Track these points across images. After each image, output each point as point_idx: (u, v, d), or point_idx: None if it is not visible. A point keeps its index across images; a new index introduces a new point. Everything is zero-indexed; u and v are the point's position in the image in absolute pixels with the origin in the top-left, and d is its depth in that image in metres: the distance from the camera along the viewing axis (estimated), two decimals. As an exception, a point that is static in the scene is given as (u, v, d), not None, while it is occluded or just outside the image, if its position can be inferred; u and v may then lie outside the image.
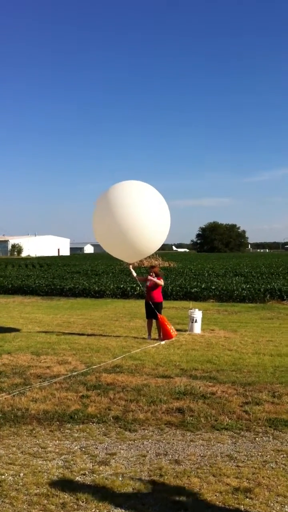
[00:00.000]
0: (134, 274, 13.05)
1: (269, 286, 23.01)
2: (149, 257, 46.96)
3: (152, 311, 12.54)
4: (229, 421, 6.57)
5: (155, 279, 12.78)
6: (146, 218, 12.05)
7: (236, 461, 5.41)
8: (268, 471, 5.14)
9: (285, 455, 5.54)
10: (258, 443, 5.90)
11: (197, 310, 13.80)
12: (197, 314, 13.58)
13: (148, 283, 12.88)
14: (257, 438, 6.03)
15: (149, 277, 12.84)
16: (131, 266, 13.06)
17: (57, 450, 5.72)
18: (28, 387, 8.09)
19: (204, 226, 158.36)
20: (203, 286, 23.18)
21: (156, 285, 12.79)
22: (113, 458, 5.49)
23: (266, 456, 5.52)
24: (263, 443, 5.88)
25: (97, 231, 12.70)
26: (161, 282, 12.91)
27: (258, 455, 5.56)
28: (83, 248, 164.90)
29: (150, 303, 12.61)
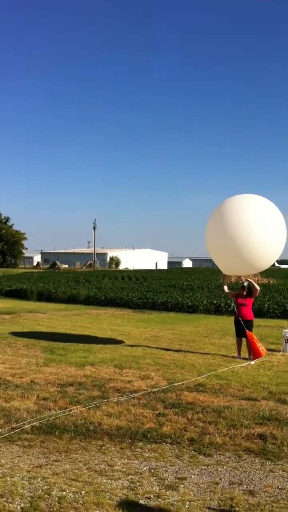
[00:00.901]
0: (226, 288, 12.66)
1: None
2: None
3: (242, 329, 12.00)
4: (315, 452, 5.97)
5: (253, 282, 12.36)
6: (269, 237, 11.87)
7: None
8: None
9: None
10: None
11: (291, 329, 13.06)
12: (291, 334, 12.84)
13: (238, 300, 12.36)
14: None
15: (248, 279, 12.43)
16: (226, 277, 12.71)
17: (124, 469, 5.42)
18: (105, 400, 7.88)
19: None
20: (301, 305, 22.11)
21: (248, 301, 12.27)
22: (183, 483, 5.10)
23: None
24: None
25: (211, 237, 12.66)
26: (258, 286, 12.47)
27: None
28: (181, 262, 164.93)
29: (240, 320, 12.09)
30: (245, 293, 12.37)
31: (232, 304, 17.78)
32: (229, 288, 13.11)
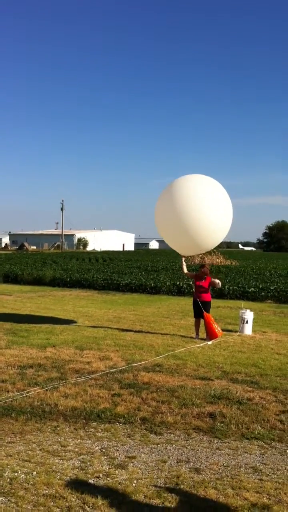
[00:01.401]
0: (185, 269, 12.85)
1: None
2: (210, 254, 46.50)
3: (201, 310, 12.25)
4: (261, 430, 6.24)
5: (215, 281, 12.56)
6: (211, 212, 11.89)
7: (260, 474, 5.10)
8: (292, 488, 4.80)
9: (314, 471, 5.17)
10: (288, 455, 5.55)
11: (248, 310, 13.38)
12: (248, 315, 13.16)
13: (196, 282, 12.58)
14: (287, 451, 5.68)
15: (213, 280, 12.56)
16: (183, 259, 12.83)
17: (76, 449, 5.59)
18: (63, 382, 8.02)
19: (271, 225, 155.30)
20: (261, 286, 22.56)
21: (206, 283, 12.49)
22: (132, 462, 5.30)
23: (294, 471, 5.17)
24: (293, 456, 5.53)
25: (158, 219, 12.68)
26: (219, 284, 12.69)
27: (285, 469, 5.22)
28: (148, 243, 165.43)
29: (198, 301, 12.32)
30: (204, 274, 12.58)
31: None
32: (188, 270, 13.29)
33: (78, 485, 4.73)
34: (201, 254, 33.95)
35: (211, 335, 11.90)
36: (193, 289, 12.89)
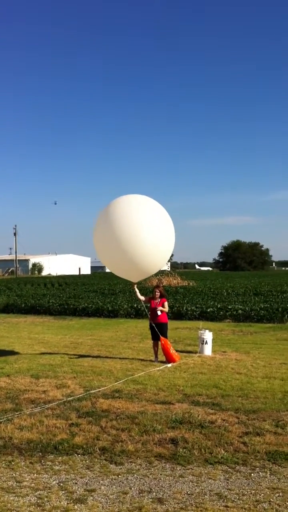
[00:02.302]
0: (139, 295, 12.49)
1: None
2: (167, 275, 46.54)
3: (157, 333, 12.05)
4: (225, 453, 6.05)
5: (164, 309, 12.33)
6: (147, 234, 11.34)
7: (225, 500, 4.90)
8: (259, 514, 4.62)
9: (280, 494, 5.01)
10: (253, 479, 5.38)
11: (207, 331, 13.28)
12: (207, 336, 13.06)
13: (152, 304, 12.38)
14: (252, 474, 5.51)
15: (161, 308, 12.30)
16: (135, 286, 12.54)
17: (33, 484, 5.28)
18: (18, 413, 7.68)
19: (226, 245, 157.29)
20: (219, 306, 22.59)
21: (160, 305, 12.31)
22: (91, 495, 5.03)
23: (260, 495, 5.00)
24: (258, 480, 5.36)
25: (98, 250, 12.21)
26: (166, 309, 12.45)
27: (251, 493, 5.04)
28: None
29: (154, 324, 12.12)
30: (157, 296, 12.39)
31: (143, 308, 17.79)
32: (141, 294, 12.92)
33: (34, 525, 4.43)
34: (153, 276, 33.85)
35: (169, 359, 11.72)
36: (148, 312, 12.63)
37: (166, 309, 12.45)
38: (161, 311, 12.23)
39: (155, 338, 12.19)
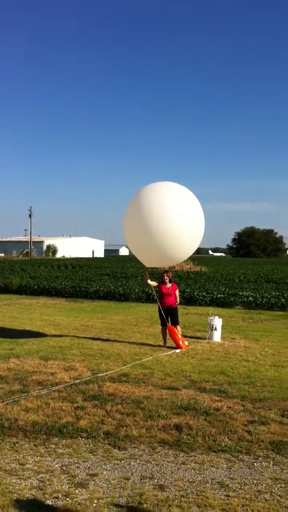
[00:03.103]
0: (149, 280, 12.45)
1: (299, 293, 22.18)
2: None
3: (171, 316, 12.08)
4: (229, 442, 6.04)
5: (176, 298, 12.37)
6: (181, 225, 11.31)
7: (227, 489, 4.89)
8: (260, 504, 4.60)
9: (282, 485, 4.99)
10: (256, 469, 5.36)
11: (217, 317, 13.23)
12: (217, 322, 13.02)
13: (163, 289, 12.34)
14: (255, 463, 5.49)
15: (175, 301, 12.36)
16: (147, 271, 12.51)
17: (35, 467, 5.31)
18: (25, 395, 7.72)
19: (240, 231, 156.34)
20: (230, 292, 22.51)
21: (172, 289, 12.31)
22: (93, 480, 5.04)
23: (262, 485, 4.98)
24: (261, 469, 5.34)
25: (127, 233, 12.16)
26: (178, 299, 12.52)
27: (252, 483, 5.03)
28: (118, 250, 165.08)
29: (163, 309, 12.14)
30: (167, 280, 12.35)
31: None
32: (151, 279, 12.88)
33: (35, 508, 4.46)
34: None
35: (177, 346, 11.71)
36: (157, 297, 12.61)
37: (178, 299, 12.49)
38: (175, 302, 12.39)
39: (164, 324, 12.17)
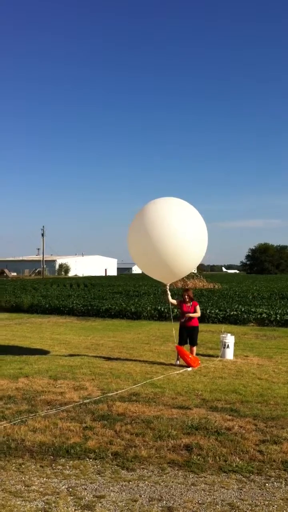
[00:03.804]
0: (170, 298, 12.28)
1: (313, 310, 21.90)
2: (193, 277, 46.25)
3: (186, 337, 12.02)
4: (240, 462, 5.88)
5: (194, 315, 12.21)
6: (184, 238, 11.42)
7: (237, 511, 4.74)
8: (271, 526, 4.45)
9: (295, 507, 4.83)
10: (268, 489, 5.20)
11: (229, 334, 13.08)
12: (229, 339, 12.86)
13: (184, 307, 12.22)
14: (267, 484, 5.33)
15: (189, 315, 12.20)
16: (167, 287, 12.39)
17: (41, 489, 5.19)
18: (32, 415, 7.61)
19: (254, 248, 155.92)
20: (243, 309, 22.30)
21: (192, 308, 12.20)
22: (100, 502, 4.91)
23: (273, 506, 4.82)
24: (273, 490, 5.18)
25: (133, 251, 12.22)
26: (198, 313, 12.33)
27: (264, 504, 4.87)
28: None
29: (185, 328, 12.07)
30: (188, 299, 12.24)
31: (176, 310, 17.70)
32: (172, 298, 12.76)
33: (39, 531, 4.34)
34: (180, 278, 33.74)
35: (188, 364, 11.56)
36: (179, 315, 12.56)
37: (198, 313, 12.40)
38: (192, 316, 12.21)
39: (182, 343, 12.07)
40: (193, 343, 12.13)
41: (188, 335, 12.13)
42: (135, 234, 11.91)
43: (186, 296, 12.27)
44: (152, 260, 11.61)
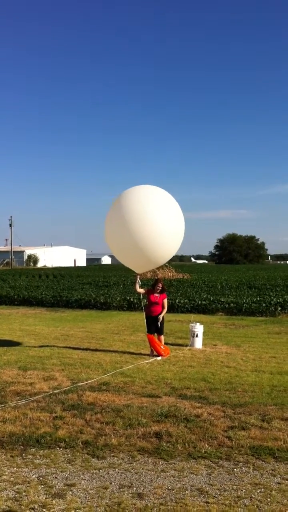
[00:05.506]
0: (138, 287, 12.29)
1: (280, 299, 22.27)
2: (162, 268, 46.40)
3: (155, 326, 12.02)
4: (209, 448, 5.99)
5: (163, 313, 12.23)
6: (162, 226, 11.30)
7: (206, 496, 4.83)
8: (239, 509, 4.55)
9: (262, 490, 4.94)
10: (236, 474, 5.31)
11: (198, 324, 13.21)
12: (198, 328, 13.00)
13: (151, 297, 12.22)
14: (235, 469, 5.44)
15: (160, 317, 12.18)
16: (138, 277, 12.33)
17: (12, 478, 5.20)
18: (2, 405, 7.59)
19: (222, 238, 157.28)
20: (211, 298, 22.52)
21: (161, 298, 12.19)
22: (71, 490, 4.95)
23: (242, 491, 4.93)
24: (241, 475, 5.29)
25: (109, 237, 12.04)
26: (165, 309, 12.34)
27: (232, 489, 4.97)
28: (101, 259, 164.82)
29: (151, 317, 12.06)
30: (158, 290, 12.22)
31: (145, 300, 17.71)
32: (140, 287, 12.77)
33: (10, 520, 4.35)
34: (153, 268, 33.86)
35: (158, 353, 11.64)
36: (145, 305, 12.54)
37: (165, 308, 12.33)
38: (161, 316, 12.22)
39: (152, 331, 12.10)
40: (160, 332, 12.15)
41: (154, 325, 12.12)
42: (113, 218, 11.70)
43: (157, 287, 12.25)
44: (129, 247, 11.43)
